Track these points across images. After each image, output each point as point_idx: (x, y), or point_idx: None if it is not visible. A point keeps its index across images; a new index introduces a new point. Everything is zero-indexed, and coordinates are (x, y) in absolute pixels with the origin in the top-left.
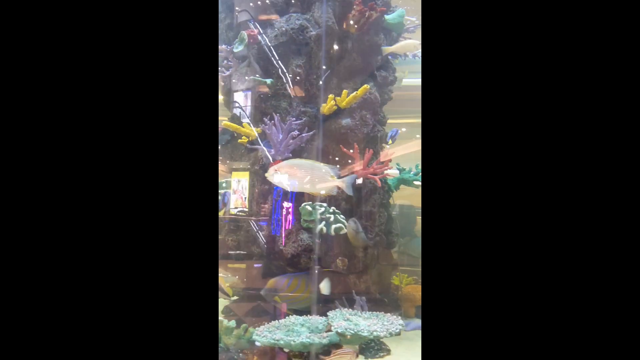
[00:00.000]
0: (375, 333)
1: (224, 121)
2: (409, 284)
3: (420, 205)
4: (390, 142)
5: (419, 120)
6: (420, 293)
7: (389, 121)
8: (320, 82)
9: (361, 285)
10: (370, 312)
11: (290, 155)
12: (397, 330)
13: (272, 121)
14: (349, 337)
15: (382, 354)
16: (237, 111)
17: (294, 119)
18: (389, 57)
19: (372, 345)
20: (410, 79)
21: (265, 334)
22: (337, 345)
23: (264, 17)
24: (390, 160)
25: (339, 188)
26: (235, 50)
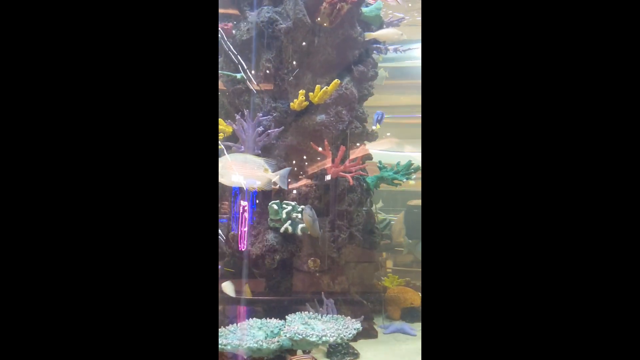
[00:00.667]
0: (324, 338)
1: None
2: (399, 285)
3: None
4: (377, 126)
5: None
6: (408, 295)
7: None
8: (291, 78)
9: (336, 287)
10: (331, 316)
11: (260, 152)
12: (350, 336)
13: (243, 117)
14: (298, 342)
15: (348, 358)
16: None
17: (261, 114)
18: (374, 52)
19: (339, 349)
20: None
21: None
22: (290, 351)
23: (222, 10)
24: (362, 157)
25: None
26: None
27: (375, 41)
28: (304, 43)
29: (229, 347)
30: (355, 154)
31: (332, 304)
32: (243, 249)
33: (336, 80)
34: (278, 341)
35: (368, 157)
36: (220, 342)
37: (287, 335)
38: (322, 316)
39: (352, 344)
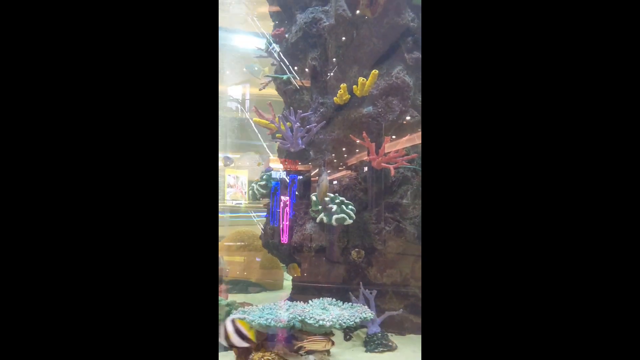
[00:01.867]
0: (320, 322)
1: (254, 118)
2: None
3: None
4: None
5: None
6: None
7: None
8: (331, 73)
9: (384, 279)
10: (351, 304)
11: (304, 147)
12: (350, 323)
13: (283, 115)
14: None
15: (381, 348)
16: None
17: (301, 112)
18: None
19: (374, 339)
20: None
21: (242, 312)
22: (303, 331)
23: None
24: (407, 148)
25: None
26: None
27: None
28: (343, 38)
29: (245, 318)
30: (400, 144)
31: (369, 294)
32: (285, 242)
33: (374, 71)
34: (288, 322)
35: (415, 147)
36: (240, 314)
37: (290, 316)
38: (343, 304)
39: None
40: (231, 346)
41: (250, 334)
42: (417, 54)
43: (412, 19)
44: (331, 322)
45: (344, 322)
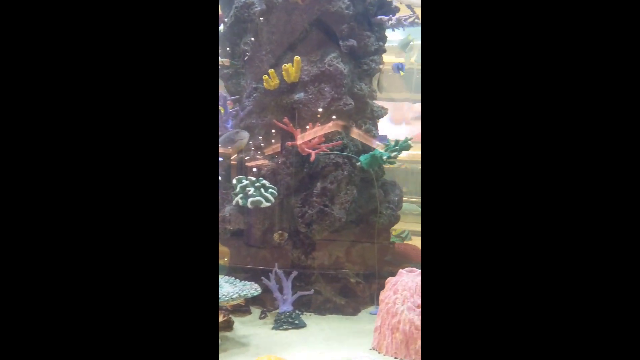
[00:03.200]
0: None
1: None
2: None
3: None
4: (402, 73)
5: None
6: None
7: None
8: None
9: (308, 262)
10: (244, 283)
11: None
12: (225, 299)
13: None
14: None
15: (286, 326)
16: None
17: (227, 96)
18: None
19: (281, 318)
20: None
21: None
22: None
23: None
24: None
25: None
26: None
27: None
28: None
29: None
30: (322, 130)
31: (282, 275)
32: None
33: (296, 57)
34: None
35: (338, 133)
36: None
37: None
38: (241, 282)
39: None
40: None
41: None
42: (352, 42)
43: (346, 6)
44: (220, 298)
45: (228, 298)
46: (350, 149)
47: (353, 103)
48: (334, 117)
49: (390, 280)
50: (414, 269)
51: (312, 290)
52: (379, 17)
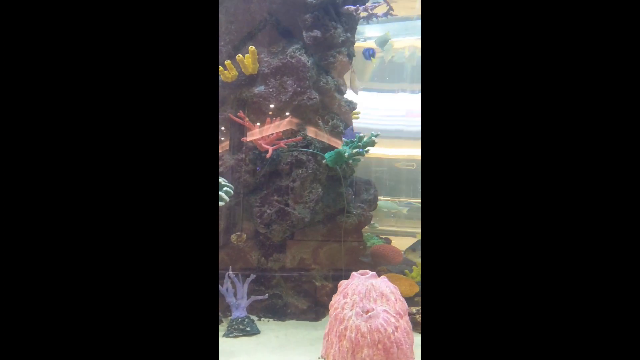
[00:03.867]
0: None
1: None
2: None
3: None
4: (373, 59)
5: None
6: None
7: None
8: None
9: (269, 263)
10: None
11: None
12: None
13: None
14: None
15: (236, 333)
16: None
17: None
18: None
19: (233, 324)
20: None
21: None
22: None
23: None
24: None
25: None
26: None
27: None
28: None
29: None
30: (281, 125)
31: (235, 278)
32: None
33: (251, 47)
34: None
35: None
36: None
37: None
38: None
39: (272, 322)
40: None
41: None
42: (316, 32)
43: None
44: None
45: None
46: (315, 146)
47: (318, 97)
48: (295, 112)
49: (342, 283)
50: (367, 271)
51: (267, 294)
52: (346, 7)
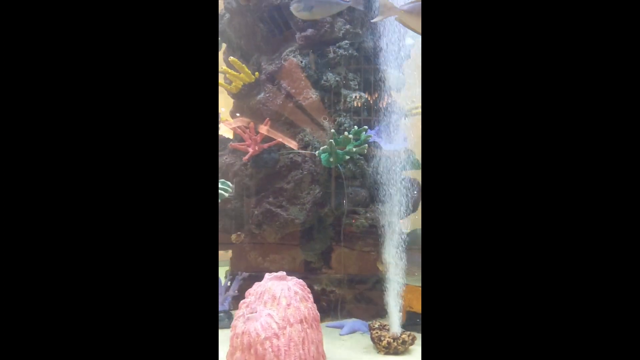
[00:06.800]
0: None
1: None
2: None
3: None
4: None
5: None
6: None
7: None
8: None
9: (265, 264)
10: None
11: None
12: None
13: None
14: None
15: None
16: None
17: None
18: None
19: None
20: None
21: None
22: None
23: None
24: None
25: None
26: None
27: None
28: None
29: None
30: (260, 128)
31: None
32: None
33: (230, 58)
34: None
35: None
36: None
37: None
38: None
39: None
40: None
41: None
42: (309, 31)
43: None
44: None
45: None
46: (314, 146)
47: (315, 96)
48: (293, 113)
49: (256, 284)
50: (283, 273)
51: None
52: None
